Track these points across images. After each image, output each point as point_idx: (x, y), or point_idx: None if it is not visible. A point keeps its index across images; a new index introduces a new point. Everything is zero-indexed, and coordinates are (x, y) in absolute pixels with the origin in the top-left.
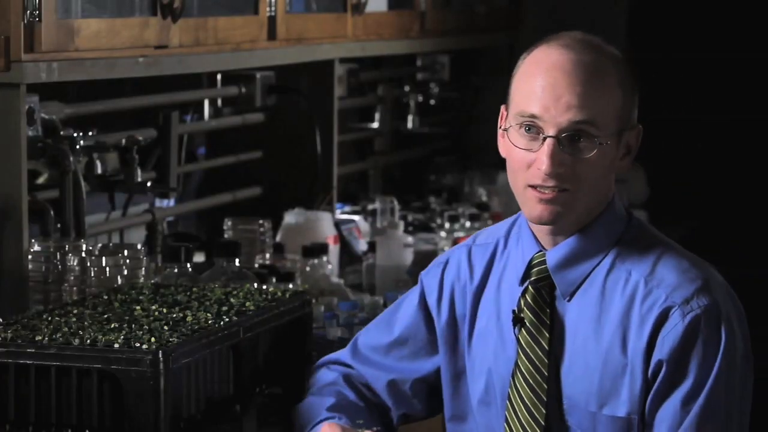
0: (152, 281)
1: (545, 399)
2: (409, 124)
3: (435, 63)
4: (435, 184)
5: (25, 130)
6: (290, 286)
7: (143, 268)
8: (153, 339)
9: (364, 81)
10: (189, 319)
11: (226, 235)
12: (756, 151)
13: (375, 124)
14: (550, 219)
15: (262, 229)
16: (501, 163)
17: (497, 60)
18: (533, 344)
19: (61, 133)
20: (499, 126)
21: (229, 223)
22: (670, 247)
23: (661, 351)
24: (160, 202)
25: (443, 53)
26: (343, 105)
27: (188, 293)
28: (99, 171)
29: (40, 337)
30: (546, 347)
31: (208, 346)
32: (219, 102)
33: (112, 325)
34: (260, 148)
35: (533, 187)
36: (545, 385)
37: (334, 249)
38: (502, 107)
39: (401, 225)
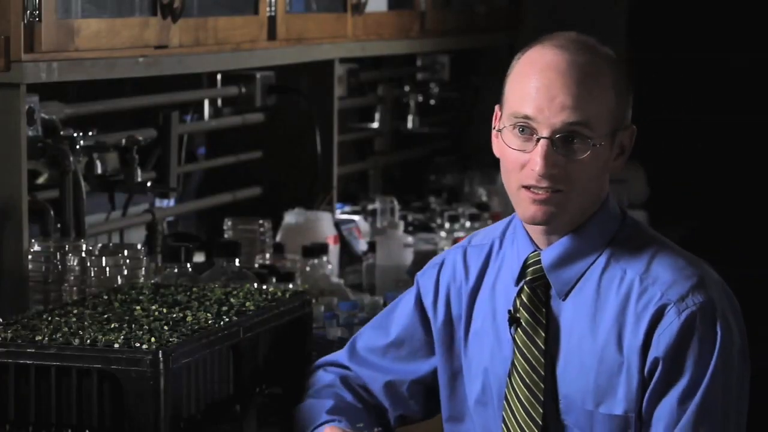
0: (152, 281)
1: (542, 398)
2: (409, 124)
3: (435, 63)
4: (435, 184)
5: (25, 130)
6: (290, 286)
7: (143, 268)
8: (153, 339)
9: (364, 81)
10: (189, 319)
11: (226, 235)
12: (756, 151)
13: (375, 124)
14: (544, 219)
15: (262, 229)
16: None
17: (497, 60)
18: (529, 344)
19: (61, 133)
20: (493, 126)
21: (229, 223)
22: (665, 246)
23: (657, 349)
24: (160, 202)
25: (443, 53)
26: (343, 105)
27: (188, 293)
28: (99, 171)
29: (40, 337)
30: (542, 347)
31: (208, 346)
32: (219, 102)
33: (112, 325)
34: (260, 148)
35: (527, 187)
36: (542, 385)
37: (334, 249)
38: (496, 107)
39: (401, 225)
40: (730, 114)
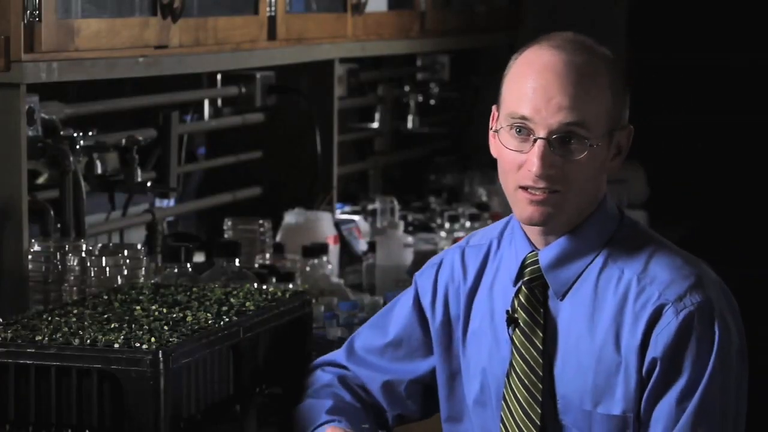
0: (152, 281)
1: (540, 398)
2: (409, 124)
3: (435, 63)
4: (435, 184)
5: (25, 130)
6: (290, 286)
7: (143, 268)
8: (153, 339)
9: (364, 81)
10: (189, 319)
11: (226, 235)
12: (756, 151)
13: (375, 124)
14: (541, 220)
15: (262, 229)
16: None
17: (497, 60)
18: (527, 344)
19: (61, 133)
20: (490, 127)
21: (229, 223)
22: (663, 245)
23: (655, 349)
24: (160, 202)
25: (443, 53)
26: (343, 105)
27: (188, 293)
28: (99, 171)
29: (40, 337)
30: (540, 347)
31: (208, 346)
32: (219, 102)
33: (112, 325)
34: (260, 148)
35: (524, 188)
36: (540, 385)
37: (334, 249)
38: (493, 108)
39: (401, 225)
40: (730, 114)
